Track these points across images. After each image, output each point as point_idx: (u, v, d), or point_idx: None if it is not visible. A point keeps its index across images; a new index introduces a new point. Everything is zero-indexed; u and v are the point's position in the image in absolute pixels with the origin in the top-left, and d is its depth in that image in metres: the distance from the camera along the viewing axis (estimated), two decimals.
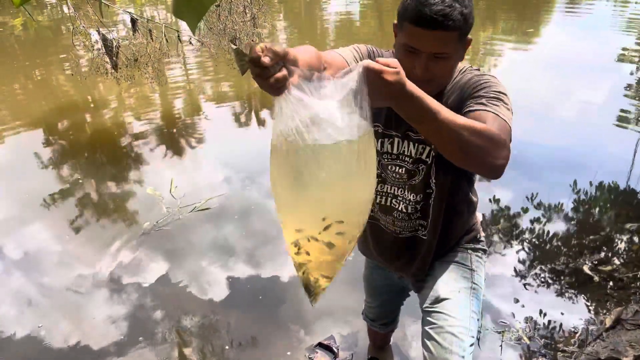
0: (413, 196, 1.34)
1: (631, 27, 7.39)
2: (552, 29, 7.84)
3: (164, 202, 3.24)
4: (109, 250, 2.86)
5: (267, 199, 3.36)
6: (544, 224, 3.02)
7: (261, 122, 4.79)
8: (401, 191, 1.35)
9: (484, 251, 1.49)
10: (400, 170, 1.33)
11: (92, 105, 5.29)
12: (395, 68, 0.84)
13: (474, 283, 1.40)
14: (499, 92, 1.13)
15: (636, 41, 6.78)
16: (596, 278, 2.50)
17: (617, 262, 2.64)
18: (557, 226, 3.00)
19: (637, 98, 5.02)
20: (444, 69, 1.15)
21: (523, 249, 2.81)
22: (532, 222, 3.04)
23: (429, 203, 1.34)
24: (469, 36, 1.17)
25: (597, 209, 3.22)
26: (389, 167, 1.34)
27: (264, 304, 2.45)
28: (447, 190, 1.32)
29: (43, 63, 6.61)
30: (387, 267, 1.58)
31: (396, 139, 1.30)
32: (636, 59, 6.07)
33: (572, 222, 3.06)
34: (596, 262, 2.62)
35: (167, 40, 3.86)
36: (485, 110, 1.07)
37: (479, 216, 1.52)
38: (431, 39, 1.09)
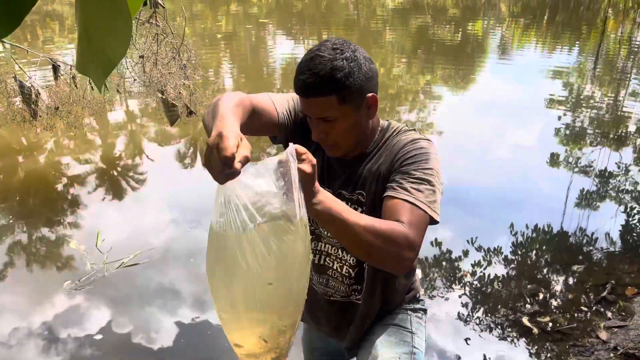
0: (348, 256, 1.27)
1: (557, 74, 7.92)
2: (486, 75, 8.29)
3: (88, 257, 2.99)
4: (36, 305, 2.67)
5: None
6: (485, 267, 3.04)
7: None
8: (335, 250, 1.28)
9: (424, 311, 1.42)
10: None
11: (26, 147, 4.93)
12: (311, 161, 0.87)
13: (415, 347, 1.32)
14: (428, 169, 1.09)
15: (562, 87, 7.26)
16: (535, 330, 2.50)
17: (554, 306, 2.67)
18: (497, 270, 3.02)
19: (566, 141, 5.31)
20: (337, 131, 1.11)
21: (465, 293, 2.81)
22: (473, 265, 3.05)
23: (363, 267, 1.26)
24: (370, 94, 1.10)
25: (534, 252, 3.28)
26: None
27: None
28: None
29: None
30: (318, 330, 1.47)
31: None
32: (563, 104, 6.47)
33: (511, 267, 3.09)
34: (534, 312, 2.62)
35: (92, 88, 3.67)
36: (403, 199, 1.04)
37: (418, 274, 1.46)
38: (310, 105, 1.08)
